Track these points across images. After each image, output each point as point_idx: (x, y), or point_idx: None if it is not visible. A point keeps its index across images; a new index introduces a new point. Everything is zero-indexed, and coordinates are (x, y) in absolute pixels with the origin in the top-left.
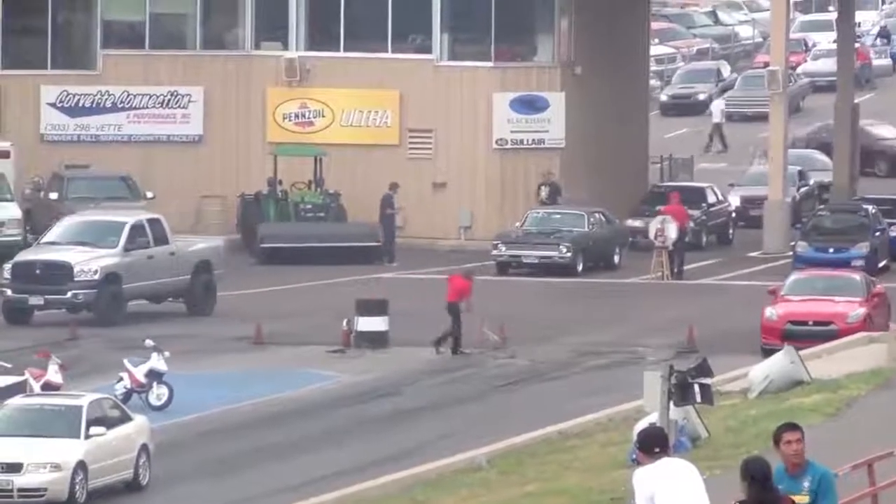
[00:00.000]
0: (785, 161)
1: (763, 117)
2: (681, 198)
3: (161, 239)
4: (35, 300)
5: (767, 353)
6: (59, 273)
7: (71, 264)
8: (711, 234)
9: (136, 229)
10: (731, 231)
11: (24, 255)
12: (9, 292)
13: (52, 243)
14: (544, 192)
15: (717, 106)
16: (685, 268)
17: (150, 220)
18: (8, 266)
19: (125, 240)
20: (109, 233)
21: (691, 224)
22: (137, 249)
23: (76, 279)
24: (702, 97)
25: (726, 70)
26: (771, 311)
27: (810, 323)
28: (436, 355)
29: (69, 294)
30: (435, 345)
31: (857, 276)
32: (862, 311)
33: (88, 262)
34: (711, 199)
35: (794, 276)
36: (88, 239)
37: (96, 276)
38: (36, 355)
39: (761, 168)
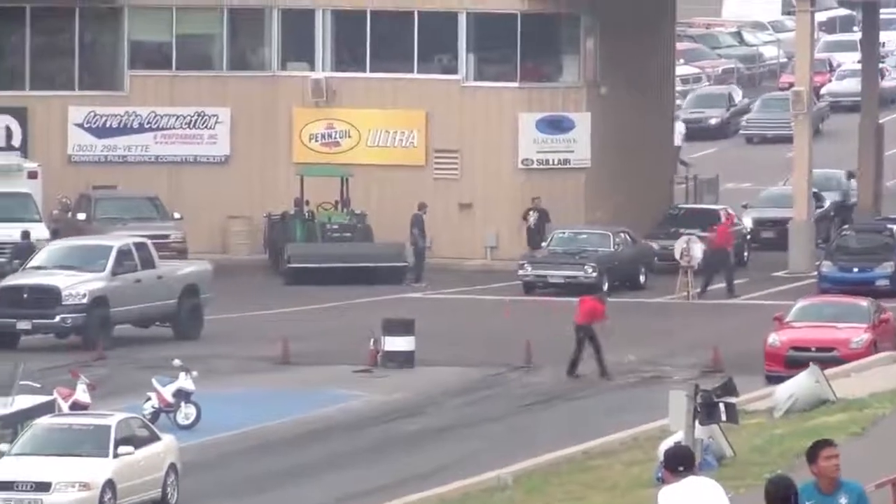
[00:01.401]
0: (810, 182)
1: (782, 139)
2: (732, 221)
3: (148, 263)
4: (23, 325)
5: (771, 380)
6: (47, 297)
7: (59, 288)
8: None
9: (124, 253)
10: (745, 253)
11: (11, 280)
12: None
13: (40, 268)
14: (532, 217)
15: (678, 129)
16: (710, 288)
17: (136, 244)
18: None
19: (112, 264)
20: (97, 257)
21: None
22: (125, 273)
23: (64, 303)
24: (713, 122)
25: (738, 95)
26: (774, 338)
27: (813, 349)
28: (570, 379)
29: (57, 318)
30: (569, 373)
31: (863, 303)
32: (866, 336)
33: (76, 286)
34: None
35: (799, 304)
36: (76, 263)
37: (84, 301)
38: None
39: (775, 190)
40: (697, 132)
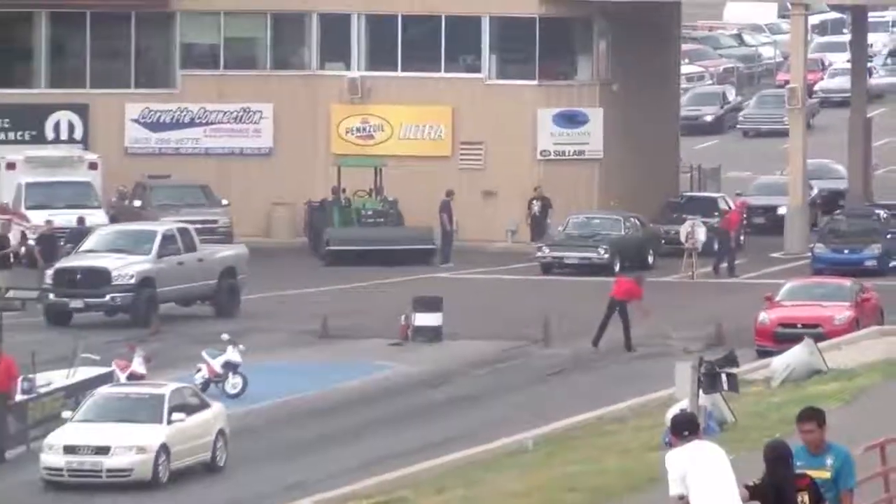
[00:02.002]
0: (804, 170)
1: (776, 133)
2: (743, 207)
3: (190, 246)
4: (75, 303)
5: (761, 354)
6: (98, 278)
7: (109, 270)
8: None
9: (168, 238)
10: (741, 237)
11: (65, 262)
12: (51, 296)
13: (91, 251)
14: (536, 206)
15: None
16: (722, 265)
17: (180, 230)
18: (50, 272)
19: (158, 247)
20: (143, 241)
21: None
22: (169, 256)
23: (114, 284)
24: (708, 118)
25: (731, 94)
26: (764, 316)
27: (799, 326)
28: (594, 349)
29: (107, 297)
30: (594, 343)
31: (847, 283)
32: (848, 314)
33: (125, 267)
34: (724, 207)
35: (788, 284)
36: (124, 246)
37: (132, 281)
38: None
39: (766, 179)
40: (694, 128)
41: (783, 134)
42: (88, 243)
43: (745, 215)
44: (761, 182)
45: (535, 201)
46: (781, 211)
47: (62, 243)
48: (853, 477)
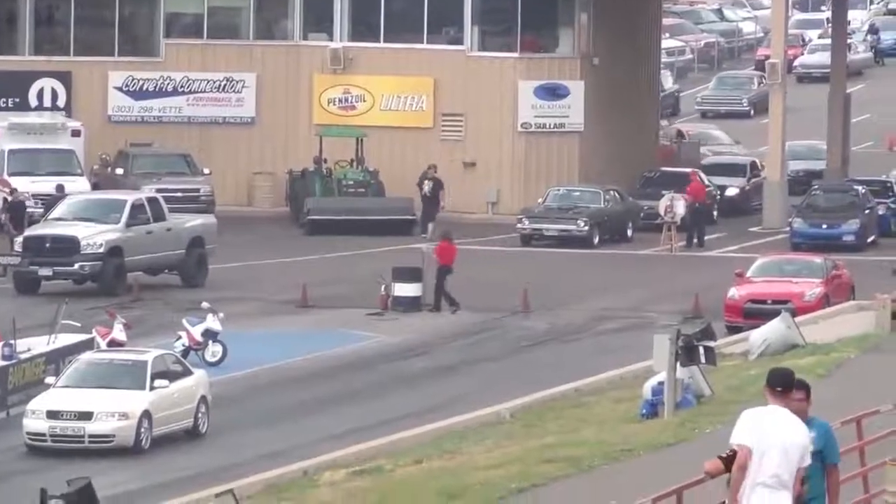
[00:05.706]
0: (783, 146)
1: (734, 115)
2: (699, 178)
3: (159, 216)
4: (44, 271)
5: (731, 330)
6: (67, 246)
7: (78, 238)
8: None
9: (137, 207)
10: (714, 213)
11: (34, 230)
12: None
13: (60, 219)
14: (427, 186)
15: None
16: (706, 238)
17: (149, 199)
18: (19, 240)
19: (127, 216)
20: (112, 210)
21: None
22: (138, 225)
23: (82, 252)
24: None
25: (668, 81)
26: (733, 292)
27: (769, 302)
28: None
29: (76, 266)
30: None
31: (817, 260)
32: (818, 290)
33: (94, 236)
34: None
35: (759, 261)
36: (93, 215)
37: (101, 250)
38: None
39: (714, 160)
40: None
41: (742, 115)
42: (58, 211)
43: (708, 186)
44: (711, 161)
45: (426, 181)
46: (730, 192)
47: (42, 211)
48: (837, 452)
